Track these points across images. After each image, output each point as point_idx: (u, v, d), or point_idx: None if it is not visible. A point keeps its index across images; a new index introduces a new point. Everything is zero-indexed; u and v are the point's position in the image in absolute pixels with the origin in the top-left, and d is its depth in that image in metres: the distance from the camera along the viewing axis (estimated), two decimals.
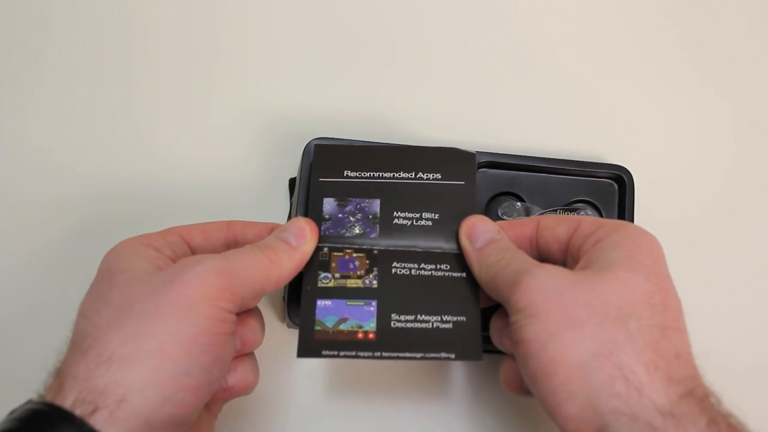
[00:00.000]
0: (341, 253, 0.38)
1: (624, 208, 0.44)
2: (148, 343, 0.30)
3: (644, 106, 0.52)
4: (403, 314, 0.36)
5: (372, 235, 0.39)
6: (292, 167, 0.47)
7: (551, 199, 0.45)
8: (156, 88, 0.49)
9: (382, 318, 0.36)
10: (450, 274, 0.37)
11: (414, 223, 0.39)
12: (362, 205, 0.39)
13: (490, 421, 0.44)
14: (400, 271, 0.38)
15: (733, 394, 0.30)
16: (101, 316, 0.31)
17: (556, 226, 0.36)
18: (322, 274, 0.37)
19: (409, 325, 0.36)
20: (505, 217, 0.44)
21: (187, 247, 0.36)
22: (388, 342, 0.35)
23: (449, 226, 0.39)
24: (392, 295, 0.37)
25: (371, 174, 0.40)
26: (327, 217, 0.39)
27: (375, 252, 0.38)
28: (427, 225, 0.39)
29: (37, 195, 0.47)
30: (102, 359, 0.30)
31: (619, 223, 0.34)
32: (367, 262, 0.38)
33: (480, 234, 0.37)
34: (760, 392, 0.45)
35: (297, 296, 0.38)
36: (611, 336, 0.30)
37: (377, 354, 0.35)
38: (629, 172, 0.45)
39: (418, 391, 0.44)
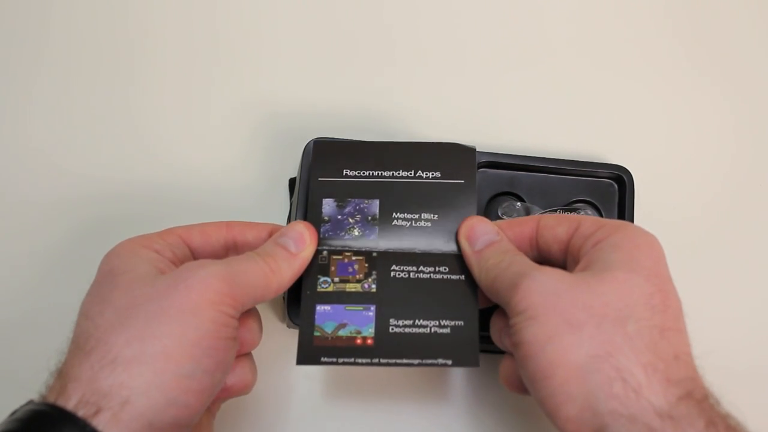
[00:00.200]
0: (340, 256, 0.38)
1: (624, 208, 0.44)
2: (153, 346, 0.30)
3: (644, 106, 0.51)
4: (401, 319, 0.36)
5: (371, 237, 0.39)
6: (292, 167, 0.47)
7: (551, 199, 0.45)
8: (156, 88, 0.50)
9: (381, 323, 0.36)
10: (449, 276, 0.37)
11: (413, 224, 0.39)
12: (361, 206, 0.39)
13: (490, 422, 0.44)
14: (399, 274, 0.38)
15: (733, 395, 0.30)
16: (104, 317, 0.31)
17: (557, 226, 0.36)
18: (322, 279, 0.37)
19: (407, 330, 0.36)
20: (504, 217, 0.44)
21: (187, 248, 0.36)
22: (386, 348, 0.36)
23: (448, 226, 0.39)
24: (391, 299, 0.37)
25: (370, 173, 0.40)
26: (326, 218, 0.39)
27: (374, 255, 0.38)
28: (426, 226, 0.39)
29: (37, 196, 0.47)
30: (106, 361, 0.30)
31: (619, 224, 0.34)
32: (366, 265, 0.38)
33: (479, 236, 0.37)
34: (760, 392, 0.45)
35: (297, 297, 0.38)
36: (610, 338, 0.30)
37: (375, 361, 0.35)
38: (629, 172, 0.45)
39: (418, 391, 0.44)
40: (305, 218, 0.39)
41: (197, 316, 0.31)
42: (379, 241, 0.38)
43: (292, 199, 0.44)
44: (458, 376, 0.45)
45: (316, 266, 0.38)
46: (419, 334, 0.36)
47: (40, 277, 0.45)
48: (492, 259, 0.35)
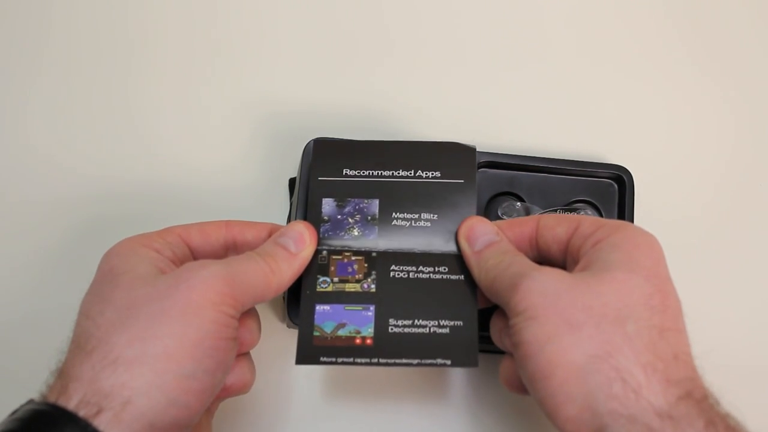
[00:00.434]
0: (340, 256, 0.38)
1: (624, 208, 0.44)
2: (154, 346, 0.30)
3: (644, 106, 0.51)
4: (400, 319, 0.36)
5: (370, 237, 0.39)
6: (292, 167, 0.47)
7: (551, 199, 0.45)
8: (156, 87, 0.50)
9: (380, 323, 0.36)
10: (448, 276, 0.37)
11: (413, 224, 0.39)
12: (361, 205, 0.39)
13: (490, 422, 0.44)
14: (398, 274, 0.38)
15: (733, 394, 0.30)
16: (105, 317, 0.31)
17: (556, 226, 0.36)
18: (321, 279, 0.37)
19: (406, 330, 0.36)
20: (504, 217, 0.44)
21: (187, 247, 0.36)
22: (385, 348, 0.36)
23: (448, 226, 0.39)
24: (390, 299, 0.37)
25: (370, 173, 0.40)
26: (326, 218, 0.39)
27: (373, 255, 0.38)
28: (426, 226, 0.39)
29: (37, 195, 0.47)
30: (107, 361, 0.30)
31: (619, 224, 0.34)
32: (366, 265, 0.38)
33: (479, 236, 0.37)
34: (760, 392, 0.45)
35: (297, 297, 0.38)
36: (609, 338, 0.30)
37: (374, 361, 0.35)
38: (629, 172, 0.45)
39: (418, 391, 0.44)
40: (305, 218, 0.39)
41: (198, 316, 0.31)
42: (379, 241, 0.38)
43: (292, 198, 0.44)
44: (458, 376, 0.45)
45: (316, 266, 0.38)
46: (418, 334, 0.36)
47: (40, 277, 0.45)
48: (492, 260, 0.35)
